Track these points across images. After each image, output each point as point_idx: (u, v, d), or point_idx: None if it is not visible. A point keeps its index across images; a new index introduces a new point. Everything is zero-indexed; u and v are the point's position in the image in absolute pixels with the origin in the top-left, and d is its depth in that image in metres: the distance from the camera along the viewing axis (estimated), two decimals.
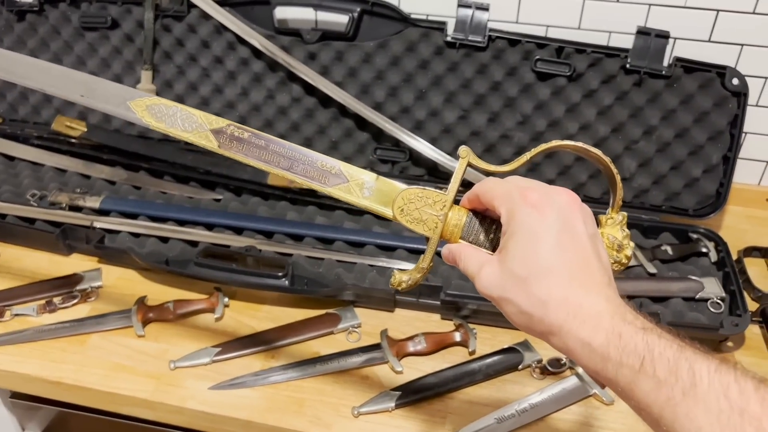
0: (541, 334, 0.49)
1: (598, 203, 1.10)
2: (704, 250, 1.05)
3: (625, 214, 0.59)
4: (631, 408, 0.46)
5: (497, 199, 0.53)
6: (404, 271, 0.61)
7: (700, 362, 0.42)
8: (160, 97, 0.65)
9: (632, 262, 1.03)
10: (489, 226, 0.58)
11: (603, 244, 0.54)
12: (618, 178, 0.58)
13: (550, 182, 1.11)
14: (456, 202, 0.59)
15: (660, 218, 1.12)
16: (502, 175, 0.58)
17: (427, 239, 0.60)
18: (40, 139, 1.27)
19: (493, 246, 0.57)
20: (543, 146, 0.59)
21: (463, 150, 0.59)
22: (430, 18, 1.17)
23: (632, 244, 0.59)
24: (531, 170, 1.15)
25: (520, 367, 0.90)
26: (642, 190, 1.13)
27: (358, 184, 0.61)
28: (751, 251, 1.11)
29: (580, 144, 0.57)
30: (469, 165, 0.59)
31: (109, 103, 0.66)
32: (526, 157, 0.59)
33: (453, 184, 0.59)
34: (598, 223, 0.58)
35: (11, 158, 1.26)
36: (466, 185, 0.58)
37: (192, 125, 0.63)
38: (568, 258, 0.49)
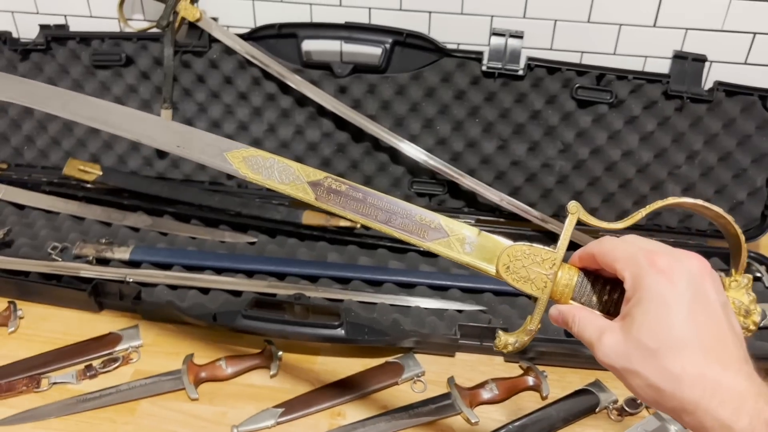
0: (671, 411, 0.46)
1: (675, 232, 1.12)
2: (758, 275, 1.04)
3: (750, 276, 0.57)
4: None
5: (620, 261, 0.50)
6: (510, 334, 0.58)
7: None
8: (256, 149, 0.64)
9: None
10: (602, 287, 0.55)
11: (734, 314, 0.51)
12: (743, 238, 0.56)
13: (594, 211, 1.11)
14: (564, 259, 0.57)
15: (707, 243, 1.11)
16: (617, 232, 0.55)
17: (534, 299, 0.57)
18: (50, 185, 1.20)
19: (607, 309, 0.55)
20: (659, 203, 0.56)
21: (572, 206, 0.57)
22: (461, 47, 1.14)
23: (759, 309, 0.55)
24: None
25: (597, 410, 0.87)
26: (686, 215, 1.12)
27: (458, 239, 0.60)
28: None
29: (700, 202, 0.55)
30: (579, 222, 0.57)
31: (204, 154, 0.65)
32: (641, 213, 0.56)
33: (563, 242, 0.56)
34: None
35: (21, 207, 1.18)
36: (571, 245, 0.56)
37: (289, 177, 0.63)
38: (702, 330, 0.46)
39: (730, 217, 0.56)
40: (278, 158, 0.63)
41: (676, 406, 0.46)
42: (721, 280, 0.55)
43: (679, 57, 1.08)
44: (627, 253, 0.50)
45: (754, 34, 1.08)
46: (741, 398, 0.44)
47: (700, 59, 1.07)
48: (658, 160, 1.10)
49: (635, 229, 0.61)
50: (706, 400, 0.44)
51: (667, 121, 1.08)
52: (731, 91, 1.06)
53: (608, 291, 0.55)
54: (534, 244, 0.57)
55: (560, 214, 1.13)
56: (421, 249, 0.65)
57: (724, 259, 1.09)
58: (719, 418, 0.44)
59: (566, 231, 0.56)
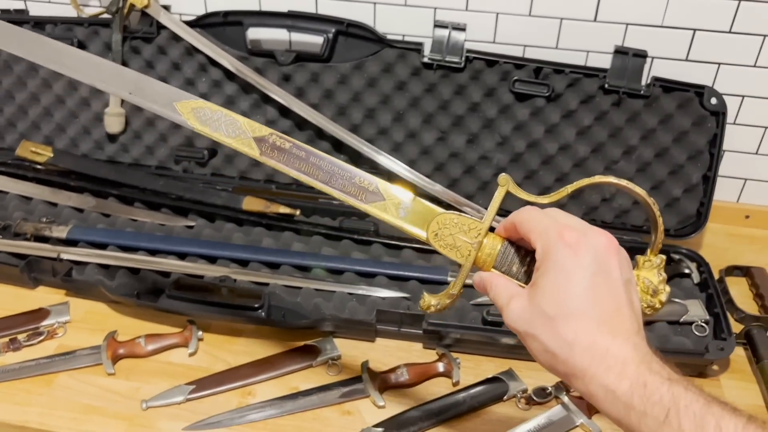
0: (564, 375, 0.49)
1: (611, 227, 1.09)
2: (687, 271, 1.04)
3: (663, 257, 0.58)
4: None
5: (534, 232, 0.53)
6: (434, 295, 0.61)
7: (728, 419, 0.42)
8: (205, 101, 0.65)
9: None
10: (523, 257, 0.57)
11: (637, 290, 0.53)
12: (660, 220, 0.58)
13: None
14: (492, 229, 0.59)
15: (641, 239, 1.10)
16: (542, 206, 0.57)
17: (459, 266, 0.59)
18: (3, 165, 1.23)
19: (527, 278, 0.57)
20: (585, 181, 0.58)
21: (502, 178, 0.59)
22: (406, 38, 1.15)
23: (668, 289, 0.57)
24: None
25: (505, 397, 0.88)
26: (623, 210, 1.12)
27: (394, 204, 0.61)
28: (732, 270, 1.11)
29: (623, 182, 0.57)
30: (508, 193, 0.59)
31: (156, 103, 0.66)
32: (567, 190, 0.58)
33: (490, 212, 0.58)
34: (635, 264, 0.57)
35: None
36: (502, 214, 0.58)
37: (235, 131, 0.64)
38: (599, 302, 0.49)
39: (651, 199, 0.58)
40: (225, 111, 0.64)
41: (568, 371, 0.48)
42: (636, 259, 0.57)
43: (620, 52, 1.07)
44: (541, 225, 0.52)
45: (694, 30, 1.07)
46: (624, 364, 0.46)
47: (641, 54, 1.07)
48: (594, 154, 1.10)
49: None
50: (594, 366, 0.47)
51: (604, 115, 1.08)
52: (668, 87, 1.06)
53: (528, 262, 0.57)
54: (463, 214, 0.59)
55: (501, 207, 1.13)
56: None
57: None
58: (604, 384, 0.46)
59: (494, 202, 0.59)
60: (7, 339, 0.94)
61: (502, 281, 0.56)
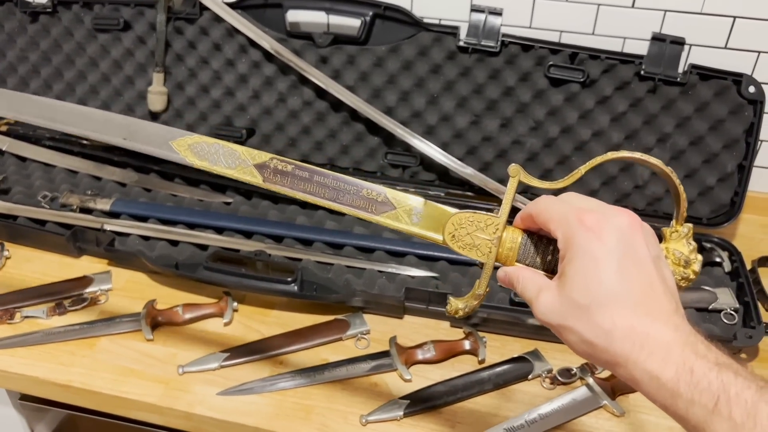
0: (605, 364, 0.48)
1: (643, 215, 1.09)
2: (718, 259, 1.03)
3: (691, 226, 0.57)
4: None
5: (552, 222, 0.51)
6: (460, 299, 0.60)
7: None
8: (200, 135, 0.64)
9: None
10: (546, 247, 0.56)
11: (668, 266, 0.52)
12: (681, 188, 0.57)
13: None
14: (510, 222, 0.58)
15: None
16: (556, 192, 0.56)
17: (481, 265, 0.58)
18: (52, 140, 1.28)
19: (552, 267, 0.56)
20: (598, 159, 0.57)
21: (513, 168, 0.57)
22: (442, 22, 1.16)
23: (700, 257, 0.56)
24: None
25: (530, 376, 0.89)
26: (655, 198, 1.11)
27: (405, 211, 0.60)
28: (766, 261, 1.10)
29: (638, 155, 0.56)
30: (521, 183, 0.57)
31: (150, 144, 0.65)
32: (580, 171, 0.57)
33: (505, 206, 0.57)
34: (661, 238, 0.56)
35: (23, 159, 1.27)
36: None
37: (235, 161, 0.62)
38: (632, 284, 0.47)
39: (669, 169, 0.56)
40: (222, 143, 0.63)
41: (609, 360, 0.47)
42: (661, 231, 0.56)
43: (657, 39, 1.07)
44: (559, 212, 0.51)
45: (734, 18, 1.06)
46: (668, 348, 0.44)
47: (678, 42, 1.06)
48: (628, 141, 1.10)
49: None
50: (635, 352, 0.45)
51: (639, 102, 1.08)
52: (705, 74, 1.05)
53: (551, 251, 0.56)
54: (477, 211, 0.58)
55: (528, 191, 1.15)
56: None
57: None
58: (648, 370, 0.45)
59: (508, 194, 0.57)
60: (53, 303, 0.98)
61: (528, 274, 0.54)
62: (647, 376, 0.45)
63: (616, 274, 0.47)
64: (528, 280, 0.54)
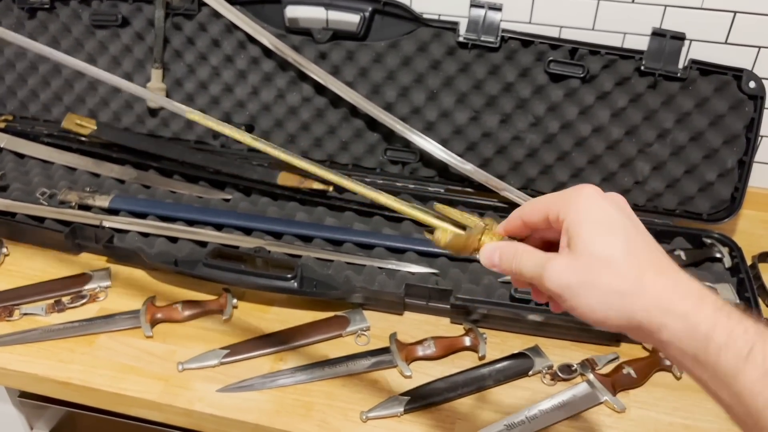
0: (630, 314, 0.45)
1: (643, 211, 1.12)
2: (718, 255, 1.03)
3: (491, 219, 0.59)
4: (718, 401, 0.43)
5: (550, 203, 0.51)
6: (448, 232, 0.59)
7: None
8: None
9: None
10: None
11: None
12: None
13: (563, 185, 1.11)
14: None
15: (673, 222, 1.10)
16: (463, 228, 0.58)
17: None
18: (50, 137, 1.27)
19: None
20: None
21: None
22: (442, 18, 1.16)
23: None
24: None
25: (530, 373, 0.89)
26: (655, 194, 1.11)
27: None
28: (766, 257, 1.10)
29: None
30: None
31: None
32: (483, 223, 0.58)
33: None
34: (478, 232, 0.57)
35: (21, 156, 1.26)
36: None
37: None
38: (646, 240, 0.47)
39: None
40: None
41: (637, 309, 0.44)
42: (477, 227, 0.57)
43: (657, 34, 1.06)
44: (552, 196, 0.51)
45: (735, 12, 1.06)
46: (701, 292, 0.44)
47: (679, 37, 1.06)
48: (628, 137, 1.10)
49: None
50: (668, 293, 0.44)
51: (639, 98, 1.08)
52: (705, 69, 1.04)
53: None
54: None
55: (529, 187, 1.14)
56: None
57: (689, 239, 1.09)
58: (682, 311, 0.43)
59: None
60: (52, 301, 0.98)
61: (528, 247, 0.52)
62: (681, 319, 0.43)
63: (630, 230, 0.47)
64: (527, 253, 0.52)
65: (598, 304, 0.46)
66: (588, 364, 0.90)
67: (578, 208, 0.49)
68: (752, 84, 1.03)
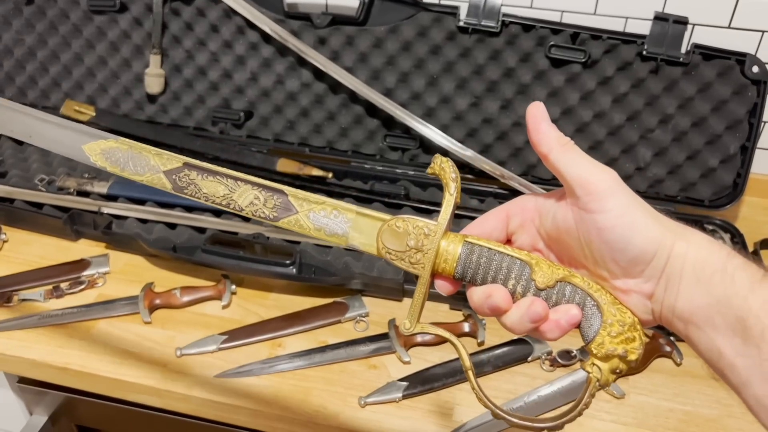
0: (658, 249, 0.45)
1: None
2: (720, 241, 1.02)
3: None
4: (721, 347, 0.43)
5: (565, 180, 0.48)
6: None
7: None
8: (115, 139, 0.58)
9: None
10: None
11: None
12: None
13: None
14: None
15: (675, 209, 1.09)
16: None
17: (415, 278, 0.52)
18: None
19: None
20: None
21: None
22: (442, 2, 1.15)
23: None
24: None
25: (529, 358, 0.89)
26: (657, 180, 1.10)
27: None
28: None
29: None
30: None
31: (61, 144, 0.59)
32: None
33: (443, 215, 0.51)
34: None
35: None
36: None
37: (144, 168, 0.57)
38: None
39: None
40: (135, 149, 0.57)
41: (668, 242, 0.45)
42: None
43: (660, 19, 1.05)
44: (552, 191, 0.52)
45: None
46: (710, 241, 0.46)
47: (681, 21, 1.05)
48: (630, 122, 1.09)
49: None
50: (689, 231, 0.46)
51: (641, 83, 1.07)
52: (708, 54, 1.03)
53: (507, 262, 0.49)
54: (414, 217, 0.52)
55: (529, 173, 1.14)
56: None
57: (691, 225, 1.07)
58: (704, 243, 0.45)
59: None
60: (50, 287, 0.98)
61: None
62: (706, 245, 0.45)
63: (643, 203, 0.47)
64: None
65: (619, 214, 0.46)
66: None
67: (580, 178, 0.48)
68: (755, 69, 1.02)
